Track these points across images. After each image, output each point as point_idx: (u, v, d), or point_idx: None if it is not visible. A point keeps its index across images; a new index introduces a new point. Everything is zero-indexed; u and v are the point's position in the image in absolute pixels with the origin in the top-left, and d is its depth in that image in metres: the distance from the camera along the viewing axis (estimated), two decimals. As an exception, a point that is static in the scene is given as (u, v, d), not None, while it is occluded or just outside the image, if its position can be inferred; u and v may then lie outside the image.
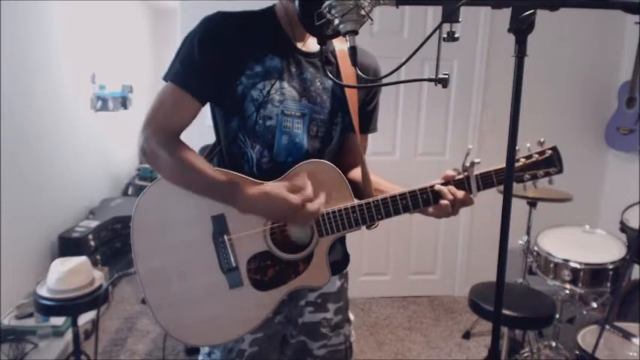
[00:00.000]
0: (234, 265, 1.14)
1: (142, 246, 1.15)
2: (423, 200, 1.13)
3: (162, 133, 1.10)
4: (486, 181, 1.12)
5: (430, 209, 1.15)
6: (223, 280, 1.14)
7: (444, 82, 0.89)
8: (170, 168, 1.10)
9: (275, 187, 1.08)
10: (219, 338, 1.18)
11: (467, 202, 1.13)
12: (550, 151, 1.13)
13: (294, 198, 1.06)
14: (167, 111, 1.11)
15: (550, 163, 1.13)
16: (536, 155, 1.13)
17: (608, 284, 2.32)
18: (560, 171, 1.13)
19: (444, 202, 1.11)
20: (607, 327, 1.92)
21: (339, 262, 1.31)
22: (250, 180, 1.12)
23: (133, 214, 1.15)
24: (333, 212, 1.14)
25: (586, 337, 1.93)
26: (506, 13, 0.83)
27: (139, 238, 1.15)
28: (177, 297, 1.15)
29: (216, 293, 1.14)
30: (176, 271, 1.14)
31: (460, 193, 1.12)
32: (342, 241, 1.32)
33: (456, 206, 1.12)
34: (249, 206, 1.08)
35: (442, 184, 1.14)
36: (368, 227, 1.18)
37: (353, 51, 0.90)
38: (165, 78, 1.13)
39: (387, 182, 1.26)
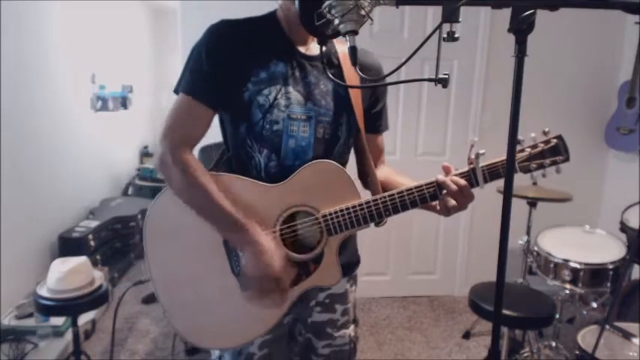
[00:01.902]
0: None
1: (156, 252, 1.17)
2: (430, 194, 1.13)
3: (180, 146, 1.12)
4: (493, 172, 1.11)
5: (438, 204, 1.15)
6: (235, 283, 1.15)
7: (444, 82, 0.90)
8: (180, 186, 1.12)
9: (275, 255, 1.09)
10: (233, 341, 1.19)
11: (469, 194, 1.11)
12: (555, 140, 1.12)
13: (269, 283, 1.10)
14: (183, 122, 1.13)
15: (556, 151, 1.11)
16: (542, 144, 1.12)
17: (608, 284, 2.32)
18: (566, 159, 1.11)
19: (449, 191, 1.10)
20: (607, 327, 1.92)
21: (350, 264, 1.32)
22: (256, 227, 1.11)
23: (145, 221, 1.17)
24: (341, 211, 1.14)
25: (586, 337, 1.93)
26: (506, 13, 0.83)
27: (153, 245, 1.18)
28: (191, 301, 1.16)
29: (229, 296, 1.15)
30: (189, 275, 1.16)
31: (462, 182, 1.10)
32: (353, 242, 1.32)
33: (463, 197, 1.10)
34: (241, 248, 1.12)
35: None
36: (377, 224, 1.19)
37: (353, 51, 0.90)
38: (177, 90, 1.15)
39: (406, 180, 1.24)
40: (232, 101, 1.14)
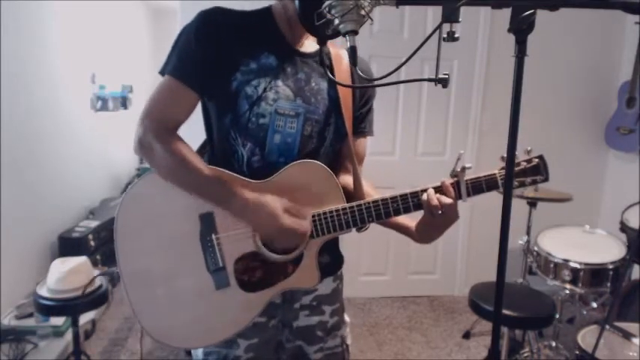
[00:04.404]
0: (221, 265, 1.11)
1: (127, 245, 1.13)
2: (413, 204, 1.12)
3: (160, 126, 1.09)
4: (476, 187, 1.12)
5: (415, 226, 1.18)
6: (210, 281, 1.11)
7: (444, 82, 0.89)
8: (165, 163, 1.08)
9: (273, 202, 1.07)
10: (204, 340, 1.15)
11: (452, 214, 1.10)
12: (537, 160, 1.15)
13: (287, 222, 1.06)
14: (165, 104, 1.11)
15: (537, 171, 1.14)
16: (524, 163, 1.14)
17: (608, 284, 2.32)
18: (546, 179, 1.15)
19: (429, 204, 1.09)
20: (607, 327, 1.92)
21: (333, 263, 1.29)
22: (247, 182, 1.10)
23: (117, 211, 1.13)
24: (324, 213, 1.12)
25: (586, 337, 1.93)
26: (506, 13, 0.83)
27: (124, 237, 1.13)
28: (161, 298, 1.11)
29: (202, 294, 1.11)
30: (161, 270, 1.11)
31: (448, 201, 1.09)
32: (335, 241, 1.29)
33: (442, 211, 1.09)
34: (240, 212, 1.08)
35: (435, 189, 1.11)
36: (358, 230, 1.17)
37: (353, 51, 0.89)
38: (163, 72, 1.12)
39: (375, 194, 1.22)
40: (219, 90, 1.11)
